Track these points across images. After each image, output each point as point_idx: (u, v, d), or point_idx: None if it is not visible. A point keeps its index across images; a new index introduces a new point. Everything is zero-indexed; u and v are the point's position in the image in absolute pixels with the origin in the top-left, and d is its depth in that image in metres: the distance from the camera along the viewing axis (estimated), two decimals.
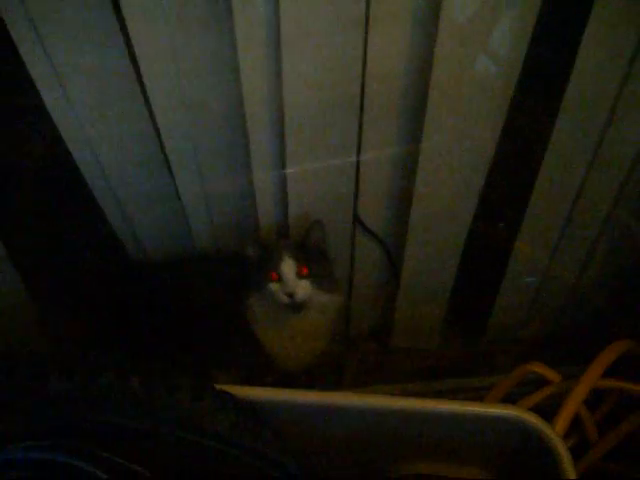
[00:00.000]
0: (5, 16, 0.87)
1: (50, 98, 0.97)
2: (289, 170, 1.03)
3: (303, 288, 0.99)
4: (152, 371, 0.70)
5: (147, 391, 0.68)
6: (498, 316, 1.38)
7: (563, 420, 0.93)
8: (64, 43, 0.90)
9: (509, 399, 1.07)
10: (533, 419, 0.77)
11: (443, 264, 1.25)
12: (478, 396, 1.28)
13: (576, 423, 1.03)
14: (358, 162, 1.06)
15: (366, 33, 0.89)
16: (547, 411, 0.90)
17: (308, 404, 0.78)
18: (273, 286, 1.00)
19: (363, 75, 0.94)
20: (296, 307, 1.01)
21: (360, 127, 1.01)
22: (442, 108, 0.97)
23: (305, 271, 1.00)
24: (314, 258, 1.03)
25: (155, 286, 1.19)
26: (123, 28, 0.89)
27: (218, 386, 0.73)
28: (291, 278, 0.99)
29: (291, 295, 0.98)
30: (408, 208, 1.13)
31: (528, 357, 1.25)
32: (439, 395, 1.31)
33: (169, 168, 1.08)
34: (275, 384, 1.20)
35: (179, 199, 1.14)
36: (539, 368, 1.08)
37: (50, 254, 1.26)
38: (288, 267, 0.99)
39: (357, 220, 1.17)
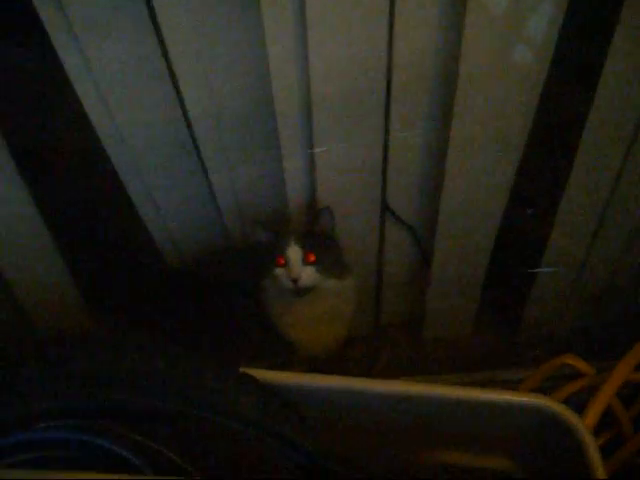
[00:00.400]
0: (40, 9, 0.88)
1: (88, 101, 1.00)
2: (317, 151, 1.03)
3: (308, 274, 1.00)
4: (177, 353, 0.71)
5: (172, 372, 0.69)
6: (532, 307, 1.36)
7: (594, 413, 0.91)
8: (96, 37, 0.91)
9: (541, 391, 1.05)
10: (562, 409, 0.75)
11: (475, 253, 1.23)
12: (511, 389, 1.27)
13: (611, 418, 1.00)
14: (386, 149, 1.06)
15: (392, 16, 0.88)
16: (581, 405, 0.88)
17: (333, 389, 0.78)
18: (279, 271, 1.01)
19: (390, 61, 0.93)
20: (300, 292, 1.02)
21: (387, 113, 1.00)
22: (472, 93, 0.95)
23: (311, 258, 1.01)
24: (322, 245, 1.04)
25: (188, 277, 1.23)
26: (153, 17, 0.90)
27: (242, 369, 0.73)
28: (296, 264, 1.00)
29: (295, 281, 0.99)
30: (438, 195, 1.11)
31: (563, 350, 1.23)
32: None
33: (201, 160, 1.10)
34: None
35: (210, 193, 1.16)
36: (573, 360, 1.05)
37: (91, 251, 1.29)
38: (294, 253, 1.01)
39: (386, 208, 1.16)
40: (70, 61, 0.94)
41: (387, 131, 1.03)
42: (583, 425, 0.74)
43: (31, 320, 1.28)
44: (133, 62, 0.96)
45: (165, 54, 0.94)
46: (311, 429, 0.73)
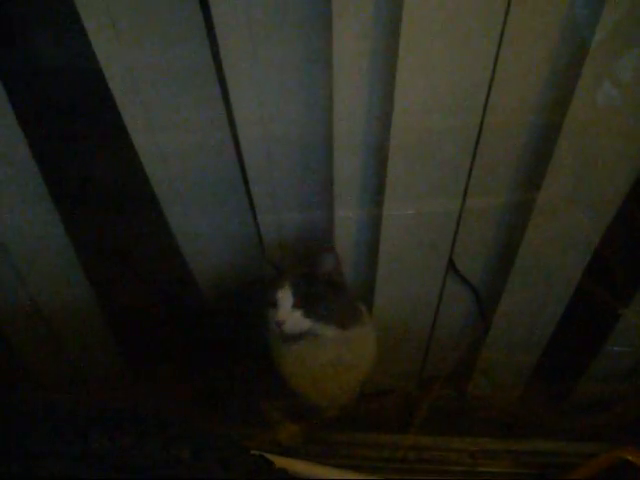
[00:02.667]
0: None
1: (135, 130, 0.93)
2: (386, 209, 0.94)
3: (294, 320, 0.91)
4: (204, 440, 0.63)
5: (198, 464, 0.61)
6: (590, 381, 1.26)
7: None
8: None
9: None
10: None
11: (540, 321, 1.14)
12: (556, 462, 1.19)
13: None
14: (462, 206, 0.97)
15: (497, 53, 0.78)
16: None
17: None
18: (271, 312, 0.93)
19: (485, 104, 0.83)
20: (287, 338, 0.93)
21: (471, 166, 0.91)
22: (572, 150, 0.87)
23: (302, 302, 0.92)
24: (321, 289, 0.94)
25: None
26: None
27: (276, 461, 0.65)
28: (284, 307, 0.91)
29: (279, 325, 0.91)
30: (508, 258, 1.04)
31: (616, 429, 1.14)
32: (514, 456, 1.21)
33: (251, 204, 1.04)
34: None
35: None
36: (634, 456, 0.96)
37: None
38: (283, 295, 0.92)
39: (451, 265, 1.08)
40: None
41: (466, 187, 0.94)
42: None
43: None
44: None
45: (221, 79, 0.87)
46: None
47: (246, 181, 0.99)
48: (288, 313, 0.91)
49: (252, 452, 0.65)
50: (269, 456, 0.66)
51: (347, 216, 0.99)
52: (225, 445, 0.63)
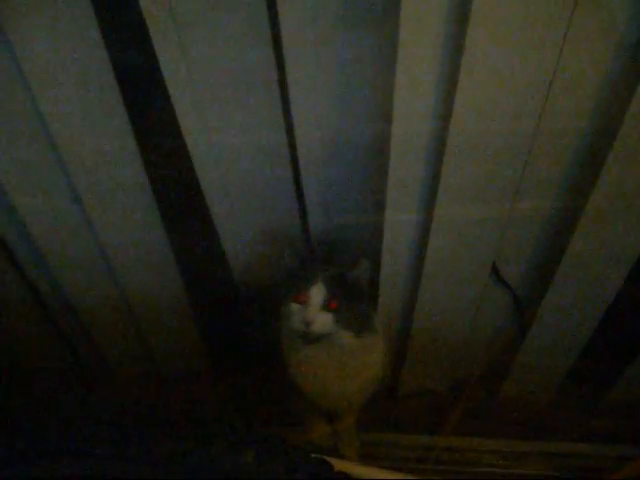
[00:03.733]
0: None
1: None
2: (437, 213, 0.94)
3: (323, 322, 0.88)
4: (267, 444, 0.63)
5: (262, 468, 0.61)
6: (627, 384, 1.26)
7: None
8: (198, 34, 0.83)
9: None
10: None
11: (579, 326, 1.14)
12: (589, 465, 1.19)
13: None
14: (510, 211, 0.96)
15: (558, 60, 0.77)
16: None
17: None
18: (294, 307, 0.89)
19: (542, 109, 0.82)
20: (309, 337, 0.90)
21: (523, 171, 0.90)
22: (625, 159, 0.85)
23: (333, 305, 0.89)
24: (350, 294, 0.92)
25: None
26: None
27: (338, 465, 0.66)
28: (315, 306, 0.88)
29: (308, 324, 0.87)
30: (551, 264, 1.03)
31: None
32: (547, 458, 1.21)
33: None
34: None
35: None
36: None
37: None
38: (317, 294, 0.89)
39: (494, 270, 1.08)
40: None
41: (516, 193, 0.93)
42: None
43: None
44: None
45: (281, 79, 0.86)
46: None
47: (297, 184, 0.99)
48: (318, 314, 0.88)
49: (313, 455, 0.66)
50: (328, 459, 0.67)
51: (398, 219, 0.98)
52: (287, 448, 0.64)
